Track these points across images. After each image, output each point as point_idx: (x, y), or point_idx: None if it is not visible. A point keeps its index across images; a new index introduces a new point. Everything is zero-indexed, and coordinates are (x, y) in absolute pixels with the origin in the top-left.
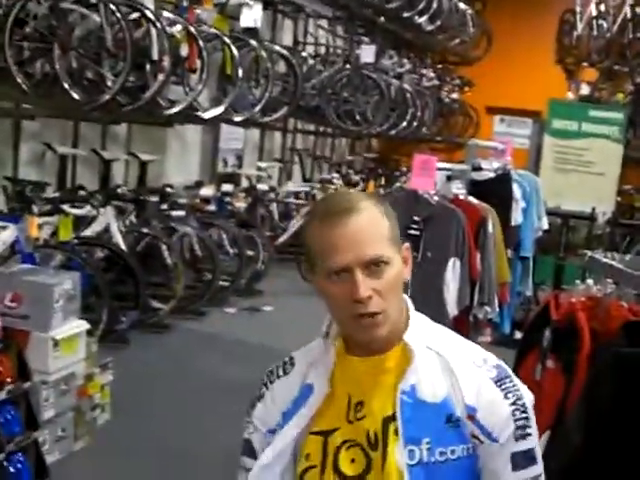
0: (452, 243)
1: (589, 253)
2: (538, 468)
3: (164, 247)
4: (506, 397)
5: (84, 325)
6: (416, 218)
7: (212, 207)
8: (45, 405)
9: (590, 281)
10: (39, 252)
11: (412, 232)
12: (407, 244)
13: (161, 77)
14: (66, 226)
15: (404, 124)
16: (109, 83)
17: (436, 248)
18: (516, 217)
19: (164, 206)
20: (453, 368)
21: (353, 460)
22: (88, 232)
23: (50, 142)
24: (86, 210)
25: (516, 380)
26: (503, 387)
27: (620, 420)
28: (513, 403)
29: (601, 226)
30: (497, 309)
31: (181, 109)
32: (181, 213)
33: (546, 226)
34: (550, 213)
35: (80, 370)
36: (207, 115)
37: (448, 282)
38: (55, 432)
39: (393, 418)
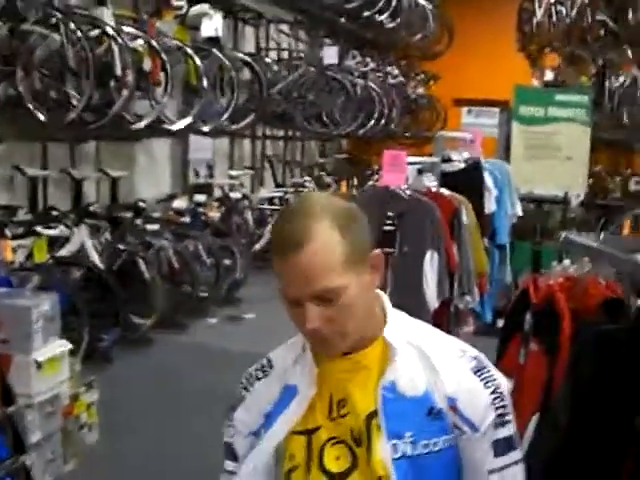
0: (428, 236)
1: (564, 234)
2: (518, 454)
3: (141, 262)
4: (485, 386)
5: (66, 345)
6: (390, 214)
7: (186, 219)
8: (31, 428)
9: (567, 262)
10: (15, 275)
11: (387, 228)
12: (378, 251)
13: (125, 92)
14: (41, 248)
15: (372, 123)
16: (74, 102)
17: (412, 242)
18: (489, 206)
19: (138, 221)
20: (433, 361)
21: (338, 457)
22: (63, 252)
23: (19, 164)
24: (59, 230)
25: (494, 369)
26: (482, 377)
27: (604, 397)
28: (492, 392)
29: (575, 209)
30: (477, 298)
31: (148, 123)
32: (156, 227)
33: (520, 212)
34: (523, 199)
35: (65, 391)
36: (175, 127)
37: (427, 275)
38: (44, 455)
39: (375, 414)
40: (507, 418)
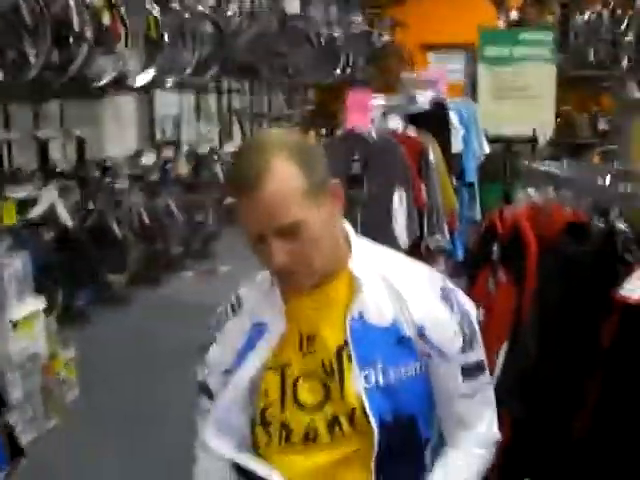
0: (395, 176)
1: (526, 162)
2: (487, 377)
3: (112, 220)
4: (452, 312)
5: (40, 303)
6: (357, 157)
7: (155, 175)
8: (11, 387)
9: (531, 190)
10: None
11: (355, 171)
12: (336, 180)
13: (85, 49)
14: (9, 210)
15: (337, 72)
16: (32, 60)
17: (380, 183)
18: (456, 145)
19: (107, 179)
20: (399, 290)
21: (311, 391)
22: (33, 214)
23: None
24: (28, 192)
25: (461, 295)
26: (449, 303)
27: (570, 321)
28: (460, 318)
29: (544, 148)
30: (448, 237)
31: (110, 79)
32: (125, 185)
33: (487, 150)
34: (492, 140)
35: (42, 349)
36: (138, 82)
37: (396, 215)
38: (26, 413)
39: (345, 346)
40: (475, 343)
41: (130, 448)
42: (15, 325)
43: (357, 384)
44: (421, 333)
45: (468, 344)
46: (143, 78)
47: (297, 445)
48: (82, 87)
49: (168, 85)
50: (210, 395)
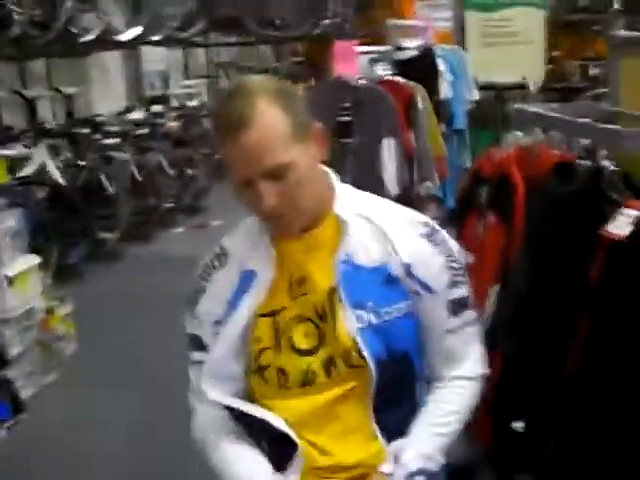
0: (383, 124)
1: (515, 105)
2: (473, 314)
3: (103, 177)
4: (438, 250)
5: (35, 259)
6: (345, 105)
7: (145, 131)
8: (10, 343)
9: (519, 132)
10: None
11: (343, 118)
12: (319, 123)
13: (69, 4)
14: (0, 169)
15: (325, 22)
16: (15, 17)
17: (369, 131)
18: (444, 91)
19: (97, 136)
20: (385, 230)
21: (306, 334)
22: (25, 173)
23: None
24: (18, 150)
25: (444, 233)
26: (434, 241)
27: (558, 258)
28: (445, 255)
29: (534, 95)
30: (438, 183)
31: (96, 35)
32: (115, 141)
33: (476, 97)
34: (483, 88)
35: (38, 304)
36: (124, 37)
37: (385, 163)
38: (25, 368)
39: (336, 288)
40: (461, 279)
41: (128, 400)
42: (11, 281)
43: (350, 325)
44: (408, 271)
45: (454, 280)
46: (130, 34)
47: (294, 389)
48: (68, 45)
49: (154, 39)
50: (201, 347)
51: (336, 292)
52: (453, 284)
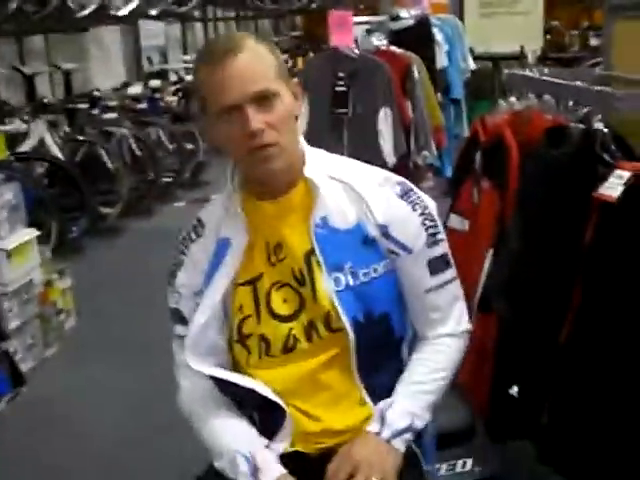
0: (380, 94)
1: (507, 70)
2: (452, 272)
3: (103, 152)
4: (413, 209)
5: (33, 232)
6: (341, 74)
7: (144, 105)
8: (9, 316)
9: (512, 98)
10: None
11: (339, 89)
12: (296, 79)
13: None
14: None
15: None
16: None
17: (365, 101)
18: (441, 60)
19: (95, 111)
20: (359, 191)
21: (285, 300)
22: (24, 148)
23: None
24: (16, 125)
25: (419, 192)
26: (409, 200)
27: (551, 220)
28: (421, 213)
29: (532, 64)
30: (435, 152)
31: (93, 10)
32: (114, 116)
33: (473, 66)
34: (480, 58)
35: (37, 277)
36: (121, 12)
37: (382, 132)
38: (24, 341)
39: (312, 251)
40: (438, 237)
41: (128, 373)
42: (9, 254)
43: (328, 288)
44: (385, 232)
45: (432, 238)
46: (127, 8)
47: (277, 357)
48: (66, 20)
49: (152, 13)
50: (183, 320)
51: (313, 256)
52: (431, 243)
